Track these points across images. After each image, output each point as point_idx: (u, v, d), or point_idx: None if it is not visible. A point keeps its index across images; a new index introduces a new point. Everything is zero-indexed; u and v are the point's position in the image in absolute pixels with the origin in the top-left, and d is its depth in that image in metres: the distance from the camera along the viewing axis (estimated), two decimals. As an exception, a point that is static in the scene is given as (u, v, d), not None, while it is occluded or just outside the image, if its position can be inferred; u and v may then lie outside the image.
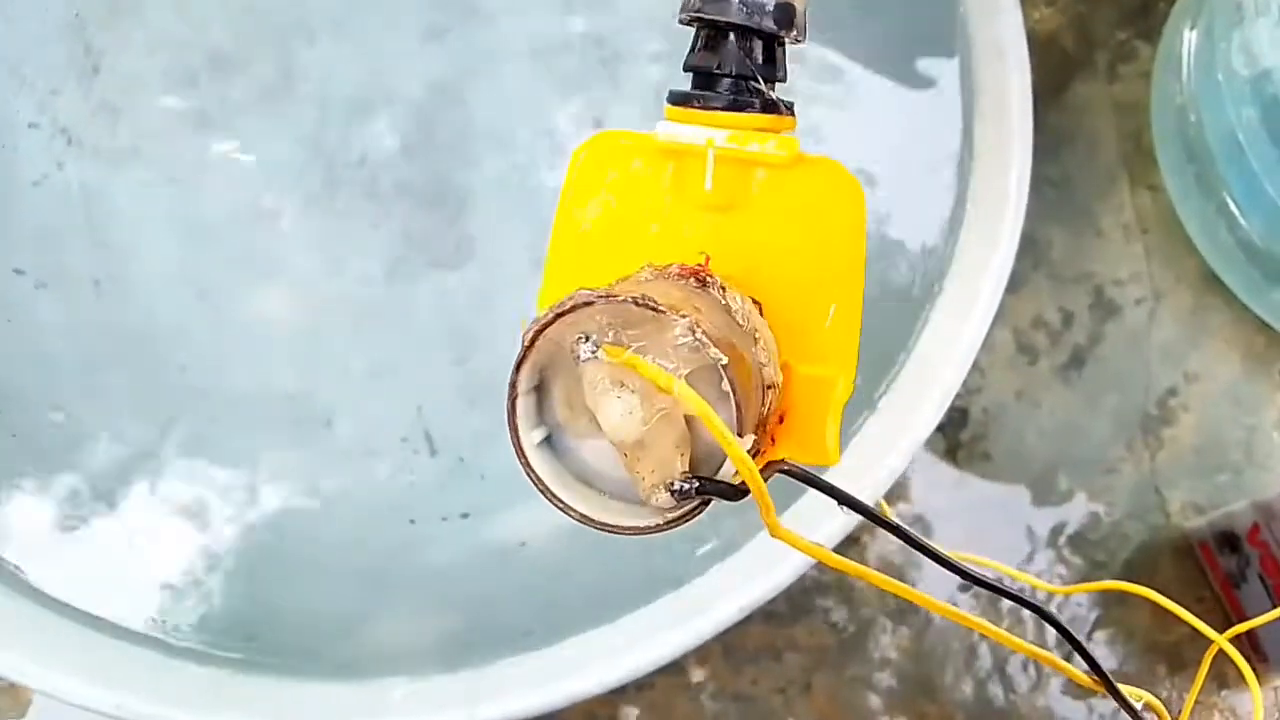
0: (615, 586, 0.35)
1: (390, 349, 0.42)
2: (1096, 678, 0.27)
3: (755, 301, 0.19)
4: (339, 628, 0.34)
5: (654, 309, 0.16)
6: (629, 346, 0.17)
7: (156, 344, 0.41)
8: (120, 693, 0.28)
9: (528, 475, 0.19)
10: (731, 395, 0.17)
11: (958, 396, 0.50)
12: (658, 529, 0.18)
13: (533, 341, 0.18)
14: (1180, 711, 0.41)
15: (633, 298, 0.16)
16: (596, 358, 0.17)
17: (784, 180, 0.18)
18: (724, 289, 0.18)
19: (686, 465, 0.18)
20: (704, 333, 0.16)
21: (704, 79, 0.18)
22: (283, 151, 0.43)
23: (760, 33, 0.17)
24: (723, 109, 0.18)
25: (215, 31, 0.43)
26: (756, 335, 0.18)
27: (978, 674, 0.46)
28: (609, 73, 0.43)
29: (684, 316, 0.16)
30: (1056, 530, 0.48)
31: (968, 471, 0.49)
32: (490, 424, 0.41)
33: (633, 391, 0.17)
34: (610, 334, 0.17)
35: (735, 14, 0.17)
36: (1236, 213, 0.44)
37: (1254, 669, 0.48)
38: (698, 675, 0.46)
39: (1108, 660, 0.47)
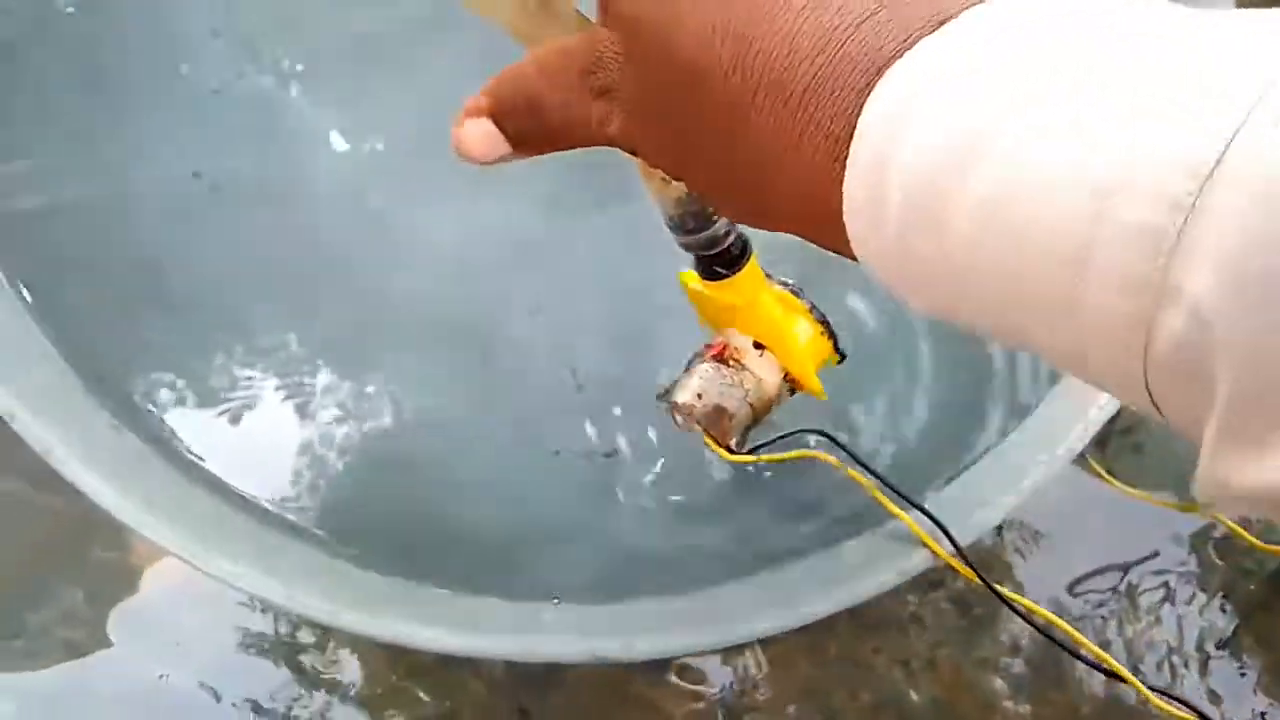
0: (756, 546, 0.34)
1: (547, 285, 0.42)
2: None
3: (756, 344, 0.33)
4: (492, 547, 0.34)
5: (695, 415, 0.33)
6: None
7: (321, 253, 0.42)
8: (292, 586, 0.29)
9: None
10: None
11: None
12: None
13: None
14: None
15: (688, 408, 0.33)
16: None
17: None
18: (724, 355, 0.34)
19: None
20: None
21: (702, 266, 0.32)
22: (446, 81, 0.43)
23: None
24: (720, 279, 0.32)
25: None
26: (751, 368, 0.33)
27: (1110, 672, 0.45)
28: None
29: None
30: (1203, 533, 0.46)
31: (1116, 463, 0.47)
32: (633, 371, 0.41)
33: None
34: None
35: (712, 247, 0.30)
36: None
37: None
38: (821, 636, 0.45)
39: (1248, 666, 0.45)
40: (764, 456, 0.34)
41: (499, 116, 0.22)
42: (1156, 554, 0.47)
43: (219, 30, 0.42)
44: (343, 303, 0.41)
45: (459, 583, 0.33)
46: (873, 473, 0.34)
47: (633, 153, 0.21)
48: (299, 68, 0.43)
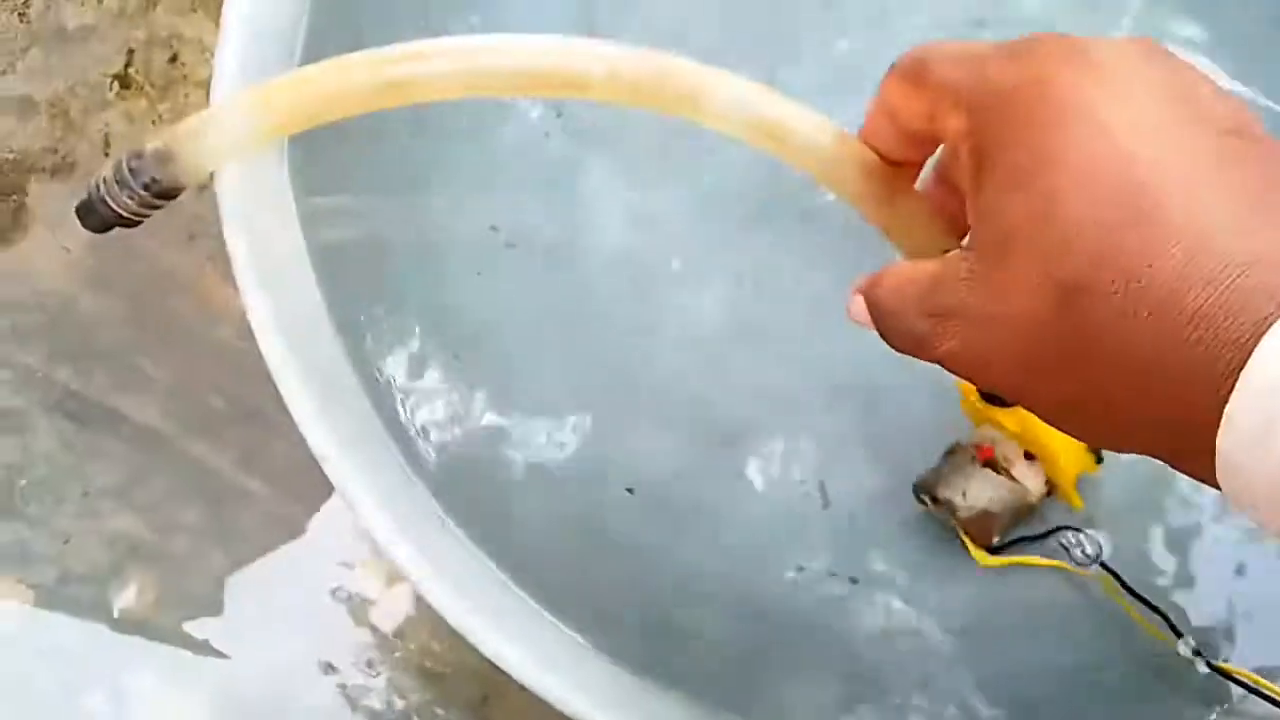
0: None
1: (800, 381, 0.42)
2: None
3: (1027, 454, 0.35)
4: (733, 661, 0.34)
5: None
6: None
7: (589, 319, 0.43)
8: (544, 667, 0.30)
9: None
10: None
11: None
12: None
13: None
14: None
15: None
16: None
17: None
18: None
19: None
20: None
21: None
22: (739, 167, 0.44)
23: None
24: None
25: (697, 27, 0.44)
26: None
27: None
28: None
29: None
30: None
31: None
32: (887, 486, 0.40)
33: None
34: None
35: None
36: None
37: None
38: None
39: None
40: (1024, 559, 0.35)
41: (868, 299, 0.25)
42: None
43: (536, 92, 0.44)
44: (593, 369, 0.42)
45: (697, 690, 0.33)
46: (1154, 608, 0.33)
47: (959, 373, 0.22)
48: (603, 135, 0.44)
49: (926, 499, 0.36)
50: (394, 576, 0.46)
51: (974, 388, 0.35)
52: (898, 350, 0.24)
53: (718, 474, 0.41)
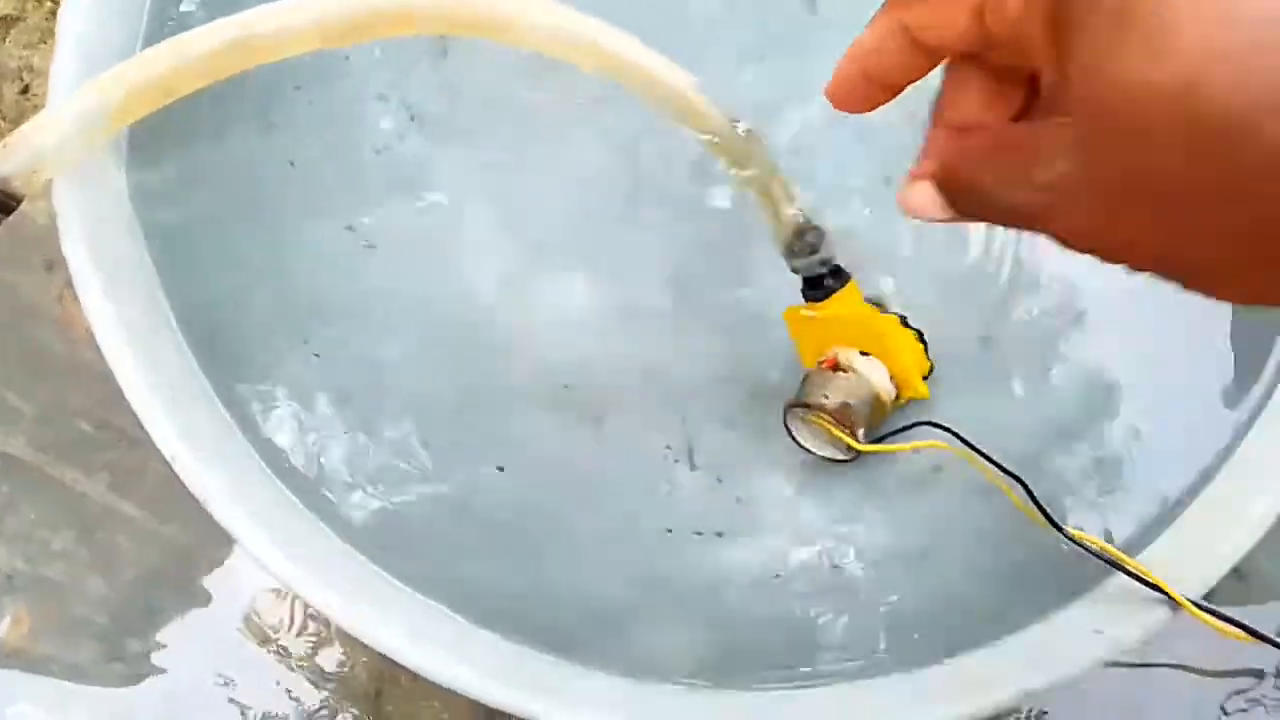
0: (869, 642, 0.35)
1: (665, 357, 0.44)
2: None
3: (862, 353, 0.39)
4: (605, 620, 0.35)
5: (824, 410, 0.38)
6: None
7: (457, 314, 0.44)
8: (426, 648, 0.31)
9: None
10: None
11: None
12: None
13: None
14: None
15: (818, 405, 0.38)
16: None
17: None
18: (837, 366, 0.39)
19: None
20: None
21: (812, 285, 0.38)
22: (599, 158, 0.45)
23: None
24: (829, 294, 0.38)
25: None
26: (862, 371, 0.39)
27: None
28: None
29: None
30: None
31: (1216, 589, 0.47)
32: (750, 449, 0.42)
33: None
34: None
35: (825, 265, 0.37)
36: None
37: None
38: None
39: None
40: (888, 446, 0.39)
41: (944, 184, 0.23)
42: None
43: (386, 95, 0.44)
44: (462, 361, 0.43)
45: (572, 652, 0.34)
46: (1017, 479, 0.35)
47: (1075, 245, 0.21)
48: (459, 135, 0.45)
49: (799, 411, 0.39)
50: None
51: (798, 312, 0.39)
52: (996, 223, 0.22)
53: (588, 448, 0.42)
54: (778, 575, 0.38)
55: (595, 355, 0.44)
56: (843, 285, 0.38)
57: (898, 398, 0.40)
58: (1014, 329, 0.43)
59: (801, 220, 0.36)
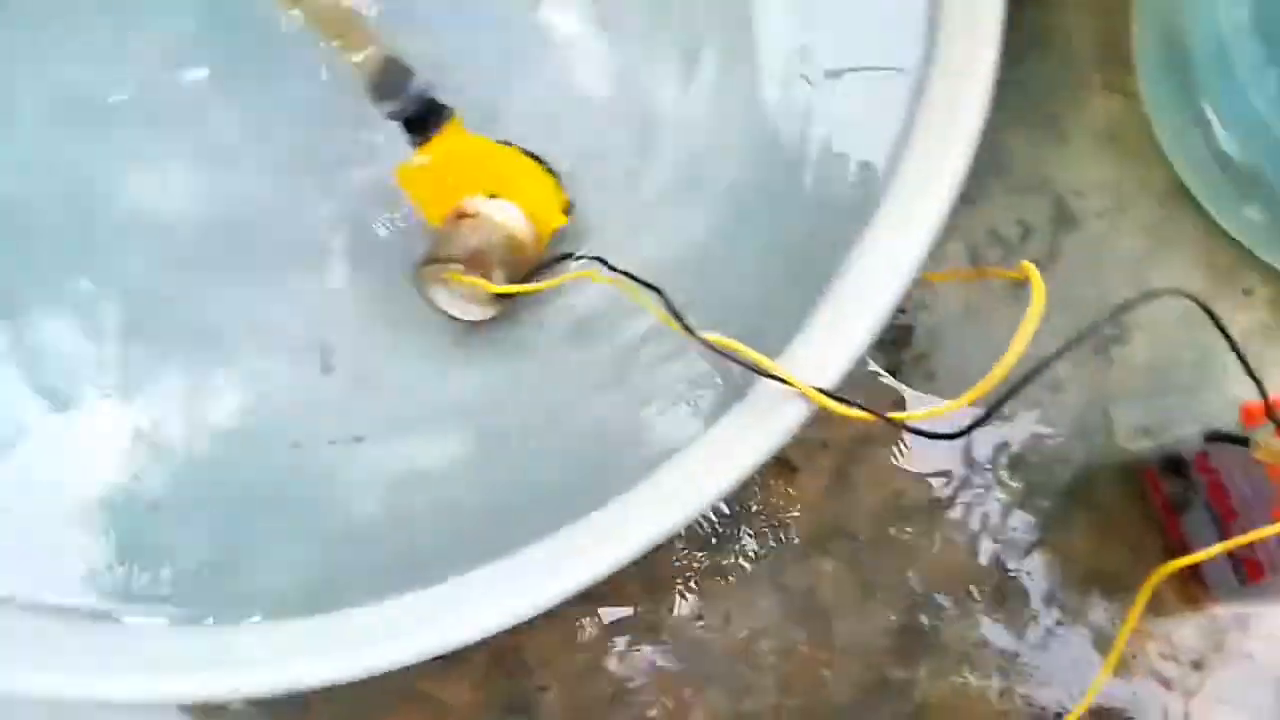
0: (514, 520, 0.32)
1: (283, 253, 0.38)
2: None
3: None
4: (206, 562, 0.31)
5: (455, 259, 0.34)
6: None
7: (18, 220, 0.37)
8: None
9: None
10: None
11: (902, 313, 0.47)
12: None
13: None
14: (1115, 640, 0.39)
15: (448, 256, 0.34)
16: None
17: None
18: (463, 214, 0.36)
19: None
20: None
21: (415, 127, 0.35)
22: (187, 24, 0.38)
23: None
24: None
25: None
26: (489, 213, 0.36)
27: (905, 601, 0.45)
28: None
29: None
30: (997, 451, 0.46)
31: (909, 390, 0.47)
32: (392, 338, 0.38)
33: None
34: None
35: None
36: (1215, 122, 0.41)
37: (1193, 595, 0.47)
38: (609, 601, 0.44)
39: (1041, 583, 0.45)
40: (536, 286, 0.35)
41: None
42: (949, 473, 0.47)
43: None
44: (44, 278, 0.36)
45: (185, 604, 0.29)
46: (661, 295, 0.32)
47: None
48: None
49: (429, 270, 0.35)
50: None
51: (411, 168, 0.35)
52: None
53: (202, 368, 0.36)
54: (421, 472, 0.34)
55: (197, 260, 0.38)
56: (446, 122, 0.35)
57: (541, 239, 0.36)
58: (662, 158, 0.40)
59: (384, 58, 0.33)
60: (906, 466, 0.46)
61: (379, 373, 0.37)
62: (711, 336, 0.31)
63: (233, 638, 0.27)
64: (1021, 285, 0.49)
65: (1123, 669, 0.45)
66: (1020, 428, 0.47)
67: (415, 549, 0.32)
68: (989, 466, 0.46)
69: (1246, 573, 0.42)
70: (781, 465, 0.45)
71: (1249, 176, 0.41)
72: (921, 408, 0.47)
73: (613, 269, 0.33)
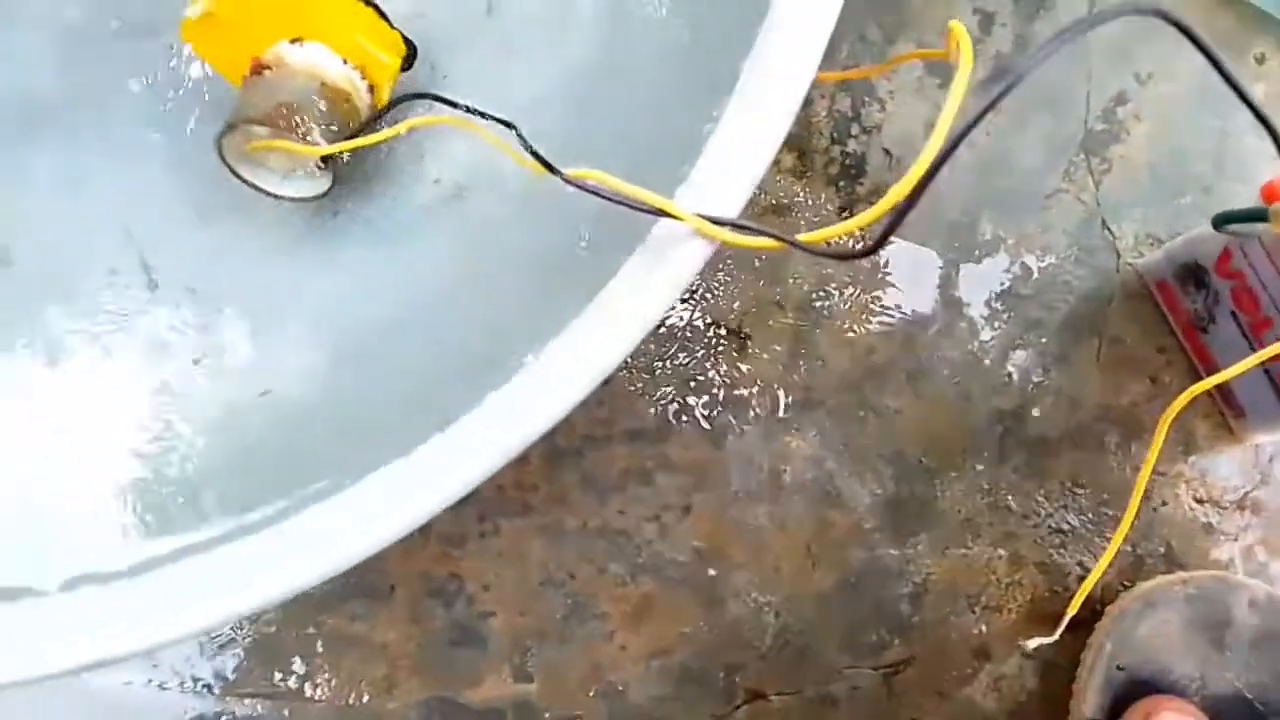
0: (368, 436, 0.26)
1: (82, 153, 0.32)
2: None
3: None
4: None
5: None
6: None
7: None
8: None
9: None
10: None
11: (851, 138, 0.40)
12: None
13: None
14: (1135, 486, 0.33)
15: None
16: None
17: None
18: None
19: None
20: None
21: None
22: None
23: None
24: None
25: None
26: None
27: (891, 471, 0.39)
28: None
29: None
30: (980, 288, 0.40)
31: (869, 233, 0.40)
32: (224, 238, 0.32)
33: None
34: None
35: None
36: None
37: (1228, 425, 0.40)
38: (555, 513, 0.38)
39: (1049, 430, 0.39)
40: (360, 141, 0.29)
41: None
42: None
43: None
44: None
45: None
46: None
47: None
48: None
49: (230, 141, 0.29)
50: None
51: (194, 20, 0.28)
52: None
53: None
54: (265, 392, 0.28)
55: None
56: None
57: (378, 89, 0.30)
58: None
59: None
60: (875, 320, 0.39)
61: (213, 281, 0.31)
62: (578, 172, 0.25)
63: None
64: (992, 85, 0.41)
65: (1153, 518, 0.39)
66: (1004, 259, 0.40)
67: (254, 477, 0.27)
68: (971, 305, 0.39)
69: (1288, 388, 0.36)
70: (732, 335, 0.39)
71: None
72: (888, 250, 0.40)
73: (454, 105, 0.27)
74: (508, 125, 0.26)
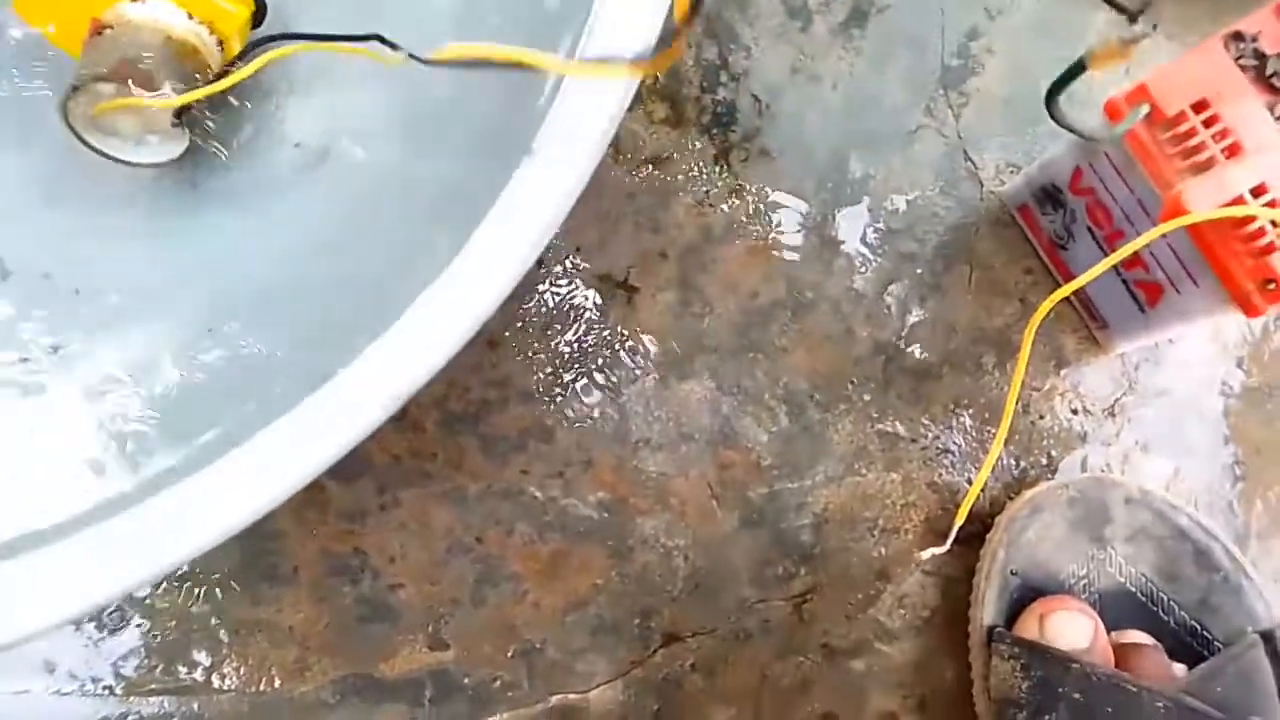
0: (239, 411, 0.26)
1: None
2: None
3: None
4: None
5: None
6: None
7: None
8: None
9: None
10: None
11: (721, 85, 0.41)
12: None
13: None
14: (1006, 399, 0.35)
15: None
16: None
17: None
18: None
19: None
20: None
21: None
22: None
23: None
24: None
25: None
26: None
27: (783, 407, 0.40)
28: None
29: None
30: (854, 226, 0.41)
31: (746, 179, 0.41)
32: (82, 220, 0.30)
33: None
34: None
35: None
36: None
37: (1094, 338, 0.42)
38: (455, 479, 0.38)
39: (929, 356, 0.40)
40: (211, 88, 0.28)
41: None
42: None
43: None
44: None
45: None
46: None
47: None
48: None
49: (74, 104, 0.28)
50: None
51: (58, 18, 0.28)
52: None
53: None
54: (126, 378, 0.28)
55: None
56: None
57: (229, 41, 0.29)
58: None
59: None
60: (757, 264, 0.40)
61: (67, 265, 0.30)
62: (441, 52, 0.24)
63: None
64: (852, 25, 0.43)
65: (1032, 431, 0.41)
66: (875, 196, 0.41)
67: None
68: (846, 242, 0.41)
69: (1145, 297, 0.38)
70: (620, 288, 0.39)
71: None
72: (781, 209, 0.41)
73: (308, 37, 0.26)
74: (375, 37, 0.26)
